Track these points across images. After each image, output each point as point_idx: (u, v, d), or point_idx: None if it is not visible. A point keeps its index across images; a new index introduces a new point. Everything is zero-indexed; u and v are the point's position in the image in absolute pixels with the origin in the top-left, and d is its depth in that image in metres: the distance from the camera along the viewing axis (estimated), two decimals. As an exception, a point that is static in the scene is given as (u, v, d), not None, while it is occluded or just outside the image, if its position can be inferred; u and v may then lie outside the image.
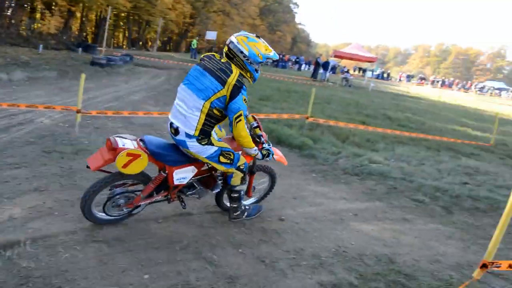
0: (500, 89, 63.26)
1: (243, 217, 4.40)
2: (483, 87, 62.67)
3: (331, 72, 35.04)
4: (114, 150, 3.43)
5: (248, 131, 3.76)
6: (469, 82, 70.82)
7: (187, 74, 3.70)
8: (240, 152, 3.97)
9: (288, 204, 5.36)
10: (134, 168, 3.50)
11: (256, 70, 3.71)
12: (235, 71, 3.50)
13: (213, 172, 4.14)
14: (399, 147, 9.49)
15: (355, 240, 4.58)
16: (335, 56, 33.27)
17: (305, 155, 7.94)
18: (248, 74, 3.66)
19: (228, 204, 4.45)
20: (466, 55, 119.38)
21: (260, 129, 4.25)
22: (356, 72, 54.42)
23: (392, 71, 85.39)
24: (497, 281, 4.13)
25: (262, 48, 3.61)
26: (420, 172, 7.56)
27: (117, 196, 3.73)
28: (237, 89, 3.44)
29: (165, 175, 3.78)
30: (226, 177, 4.03)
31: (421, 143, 10.48)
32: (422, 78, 66.68)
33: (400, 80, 62.84)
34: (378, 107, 15.89)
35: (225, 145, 3.80)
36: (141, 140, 3.68)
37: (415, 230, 5.19)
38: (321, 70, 31.29)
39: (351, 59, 34.55)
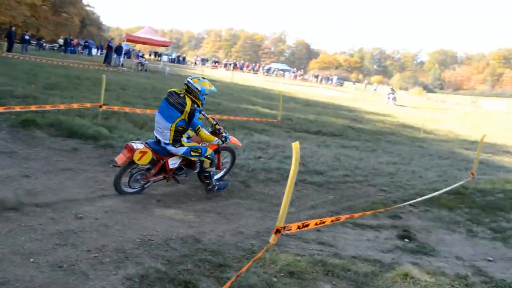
0: (283, 70, 71.36)
1: (215, 190, 5.74)
2: (269, 69, 69.33)
3: (125, 57, 34.00)
4: (132, 150, 5.12)
5: (207, 132, 5.51)
6: (257, 64, 77.37)
7: (160, 105, 5.44)
8: (206, 145, 5.67)
9: (85, 200, 5.01)
10: (144, 160, 5.21)
11: (204, 99, 5.54)
12: (189, 103, 5.27)
13: None
14: (198, 129, 9.69)
15: (160, 227, 4.53)
16: (128, 40, 32.32)
17: (101, 146, 7.46)
18: (199, 102, 5.47)
19: None
20: (253, 39, 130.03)
21: (218, 125, 5.94)
22: (152, 57, 53.98)
23: (187, 55, 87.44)
24: (292, 241, 4.61)
25: (208, 85, 5.52)
26: (219, 151, 7.86)
27: (136, 174, 5.36)
28: (192, 113, 5.25)
29: (163, 162, 5.48)
30: (201, 162, 5.63)
31: (218, 123, 10.92)
32: (215, 62, 69.93)
33: (195, 63, 64.54)
34: (175, 91, 16.00)
35: (194, 144, 5.59)
36: (146, 142, 5.39)
37: (218, 207, 5.42)
38: (114, 55, 30.03)
39: (144, 43, 33.97)
